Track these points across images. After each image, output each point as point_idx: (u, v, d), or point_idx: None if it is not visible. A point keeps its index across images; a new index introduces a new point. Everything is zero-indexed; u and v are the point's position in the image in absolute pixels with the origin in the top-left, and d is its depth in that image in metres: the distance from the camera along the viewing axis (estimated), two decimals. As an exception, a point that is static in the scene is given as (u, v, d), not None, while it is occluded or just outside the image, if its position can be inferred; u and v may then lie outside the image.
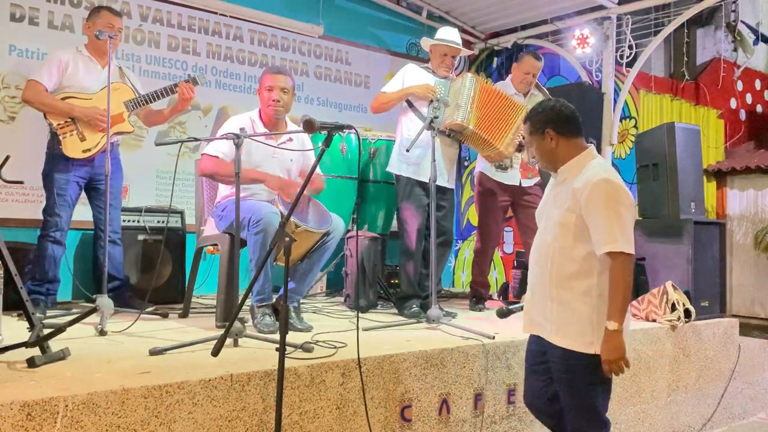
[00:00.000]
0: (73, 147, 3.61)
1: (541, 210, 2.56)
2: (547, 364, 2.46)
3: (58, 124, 3.60)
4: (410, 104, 4.00)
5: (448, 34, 4.07)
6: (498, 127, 3.92)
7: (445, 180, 4.02)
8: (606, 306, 2.29)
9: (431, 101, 3.86)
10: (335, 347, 2.77)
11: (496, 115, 3.92)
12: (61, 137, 3.59)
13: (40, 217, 3.71)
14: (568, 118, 2.44)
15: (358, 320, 2.58)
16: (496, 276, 6.37)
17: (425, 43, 4.16)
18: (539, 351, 2.50)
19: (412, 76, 4.02)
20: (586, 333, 2.31)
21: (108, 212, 3.45)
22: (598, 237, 2.27)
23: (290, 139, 3.54)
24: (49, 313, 3.51)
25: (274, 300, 3.29)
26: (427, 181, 3.67)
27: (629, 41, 5.68)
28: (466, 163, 6.87)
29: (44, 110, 3.63)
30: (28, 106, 3.75)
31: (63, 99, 3.62)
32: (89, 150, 3.64)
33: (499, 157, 4.14)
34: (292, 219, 2.36)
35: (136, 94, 3.80)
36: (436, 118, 3.65)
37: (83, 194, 3.82)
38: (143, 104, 3.79)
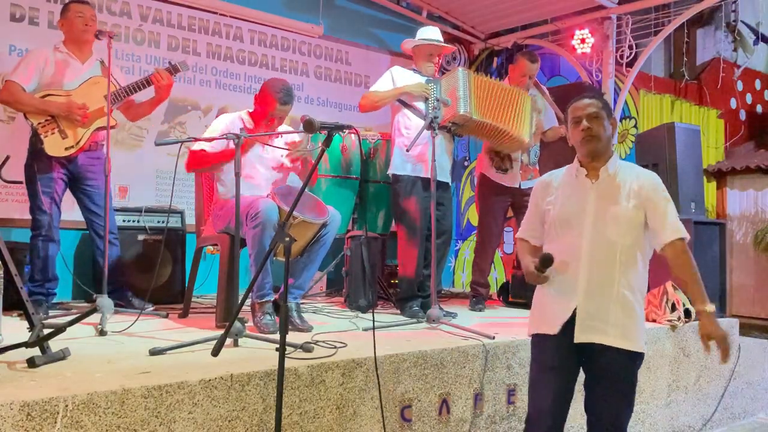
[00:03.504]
0: (55, 145, 3.54)
1: (573, 209, 2.37)
2: (573, 363, 2.37)
3: (39, 123, 3.53)
4: (404, 103, 3.95)
5: (431, 34, 4.06)
6: (506, 114, 3.88)
7: (446, 176, 4.03)
8: (644, 299, 2.38)
9: (426, 99, 3.85)
10: (335, 347, 2.77)
11: (499, 102, 3.87)
12: (42, 136, 3.52)
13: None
14: None
15: (374, 321, 2.52)
16: (496, 276, 6.37)
17: (409, 44, 4.09)
18: (574, 350, 2.35)
19: (400, 76, 3.99)
20: (641, 333, 2.34)
21: (106, 214, 3.42)
22: (668, 225, 2.30)
23: (278, 136, 3.57)
24: (50, 313, 3.51)
25: (275, 297, 3.28)
26: (428, 177, 3.67)
27: (629, 41, 5.69)
28: (466, 163, 6.88)
29: (22, 110, 3.57)
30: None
31: (42, 97, 3.55)
32: (71, 147, 3.57)
33: (520, 146, 4.11)
34: (288, 210, 2.37)
35: (117, 86, 3.69)
36: (436, 117, 3.64)
37: (69, 197, 3.76)
38: (123, 97, 3.70)
